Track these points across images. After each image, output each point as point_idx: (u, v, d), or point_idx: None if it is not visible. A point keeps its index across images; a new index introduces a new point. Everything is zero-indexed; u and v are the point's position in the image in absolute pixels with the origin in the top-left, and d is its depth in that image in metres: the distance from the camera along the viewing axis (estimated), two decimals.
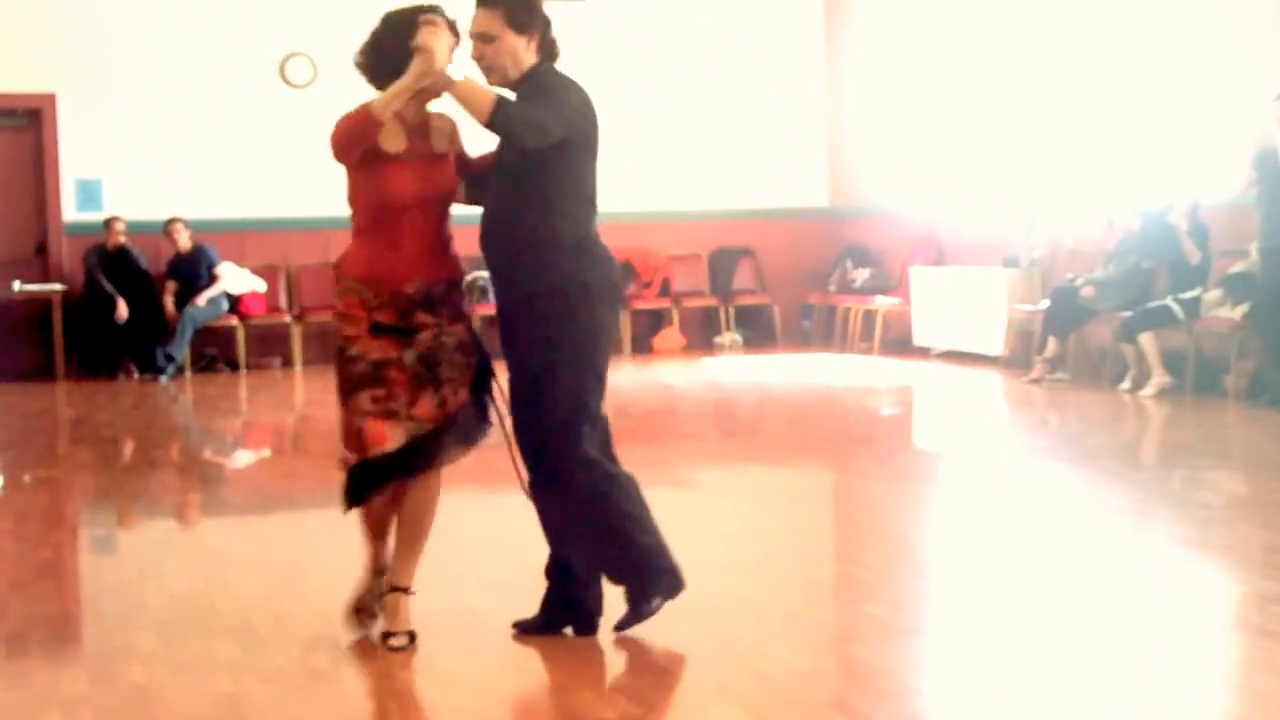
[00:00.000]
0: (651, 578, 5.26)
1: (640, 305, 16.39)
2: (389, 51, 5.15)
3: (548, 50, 5.28)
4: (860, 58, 16.85)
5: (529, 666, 5.16)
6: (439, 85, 5.06)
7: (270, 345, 15.55)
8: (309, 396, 13.63)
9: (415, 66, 5.01)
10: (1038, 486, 8.41)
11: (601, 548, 5.27)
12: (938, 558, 6.83)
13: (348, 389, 5.16)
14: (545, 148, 4.96)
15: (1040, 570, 6.35)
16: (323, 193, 15.00)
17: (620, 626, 5.30)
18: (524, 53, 5.21)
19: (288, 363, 15.46)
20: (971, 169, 15.05)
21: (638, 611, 5.28)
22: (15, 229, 15.20)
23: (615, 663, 5.14)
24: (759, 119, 17.13)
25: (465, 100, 4.94)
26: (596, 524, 5.21)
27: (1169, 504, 7.73)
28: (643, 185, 16.35)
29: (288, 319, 15.46)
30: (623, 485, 5.26)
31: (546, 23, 5.28)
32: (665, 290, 16.52)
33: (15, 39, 14.87)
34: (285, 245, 15.54)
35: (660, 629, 5.44)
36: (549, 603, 5.40)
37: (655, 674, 5.01)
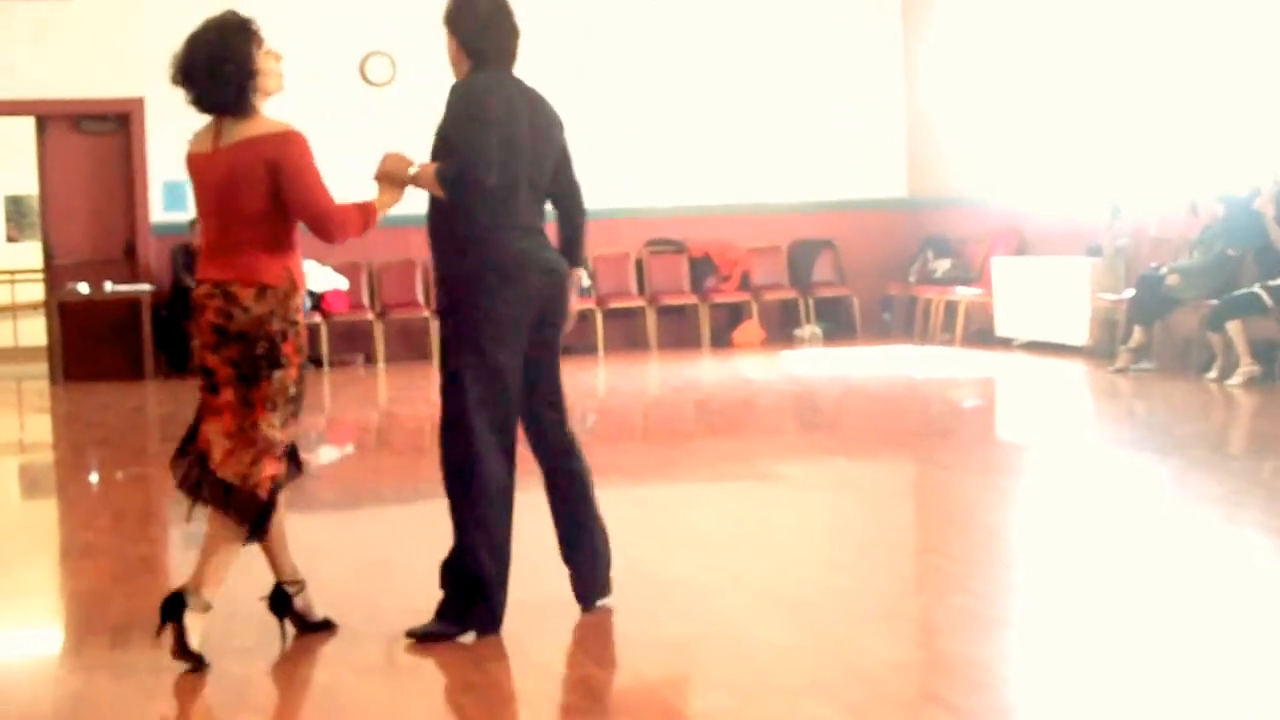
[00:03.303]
0: (478, 606, 5.36)
1: (719, 299, 16.38)
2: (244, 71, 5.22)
3: (479, 56, 5.44)
4: (938, 46, 16.78)
5: (619, 658, 5.20)
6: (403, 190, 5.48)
7: (353, 342, 15.68)
8: (392, 393, 13.73)
9: (386, 198, 5.48)
10: (1125, 477, 8.37)
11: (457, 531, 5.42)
12: (1025, 549, 6.81)
13: (302, 404, 5.36)
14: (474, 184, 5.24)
15: (1130, 562, 6.31)
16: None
17: (416, 634, 5.36)
18: (456, 55, 5.49)
19: (370, 360, 15.58)
20: (1053, 157, 14.94)
21: (442, 631, 5.36)
22: (105, 230, 15.42)
23: (706, 654, 5.16)
24: (837, 110, 17.07)
25: (426, 188, 5.42)
26: (454, 502, 5.41)
27: (1261, 494, 7.66)
28: (721, 178, 16.36)
29: (370, 316, 15.58)
30: (488, 481, 5.33)
31: (481, 26, 5.44)
32: (745, 283, 16.49)
33: (104, 44, 15.07)
34: (367, 243, 15.41)
35: (751, 621, 5.47)
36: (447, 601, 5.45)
37: (745, 666, 5.01)
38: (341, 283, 15.37)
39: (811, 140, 17.01)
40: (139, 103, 15.22)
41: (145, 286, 14.97)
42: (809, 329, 16.67)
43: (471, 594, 5.35)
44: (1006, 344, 14.94)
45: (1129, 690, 4.58)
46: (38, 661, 5.51)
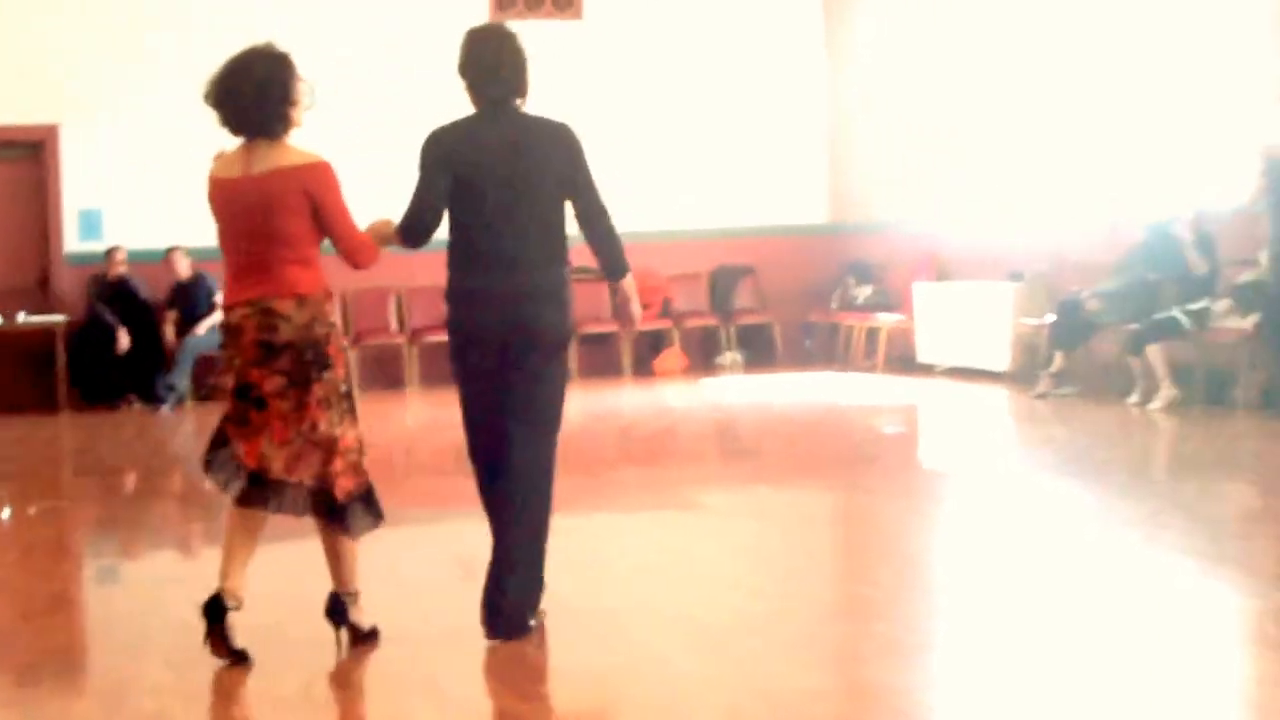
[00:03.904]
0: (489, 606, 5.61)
1: (640, 327, 16.28)
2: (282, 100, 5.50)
3: (471, 99, 5.75)
4: (859, 74, 16.85)
5: (539, 690, 5.13)
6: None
7: None
8: (364, 423, 13.56)
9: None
10: (1047, 502, 8.37)
11: None
12: (947, 576, 6.79)
13: (354, 403, 5.60)
14: (427, 229, 5.66)
15: (1052, 586, 6.31)
16: None
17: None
18: None
19: None
20: (972, 183, 15.02)
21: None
22: (18, 260, 15.19)
23: (626, 685, 5.10)
24: (758, 136, 17.10)
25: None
26: None
27: (1181, 517, 7.67)
28: (642, 205, 16.30)
29: (344, 343, 15.36)
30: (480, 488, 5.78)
31: (461, 70, 5.77)
32: (666, 310, 16.43)
33: (18, 71, 14.85)
34: (341, 270, 15.38)
35: (671, 650, 5.42)
36: None
37: (665, 695, 4.96)
38: None
39: (732, 166, 17.02)
40: (53, 130, 15.03)
41: (59, 317, 14.75)
42: (730, 356, 16.66)
43: None
44: (928, 370, 14.98)
45: (1052, 715, 4.55)
46: None
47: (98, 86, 15.10)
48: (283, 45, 5.62)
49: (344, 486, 5.46)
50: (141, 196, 15.23)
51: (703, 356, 16.79)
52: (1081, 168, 13.50)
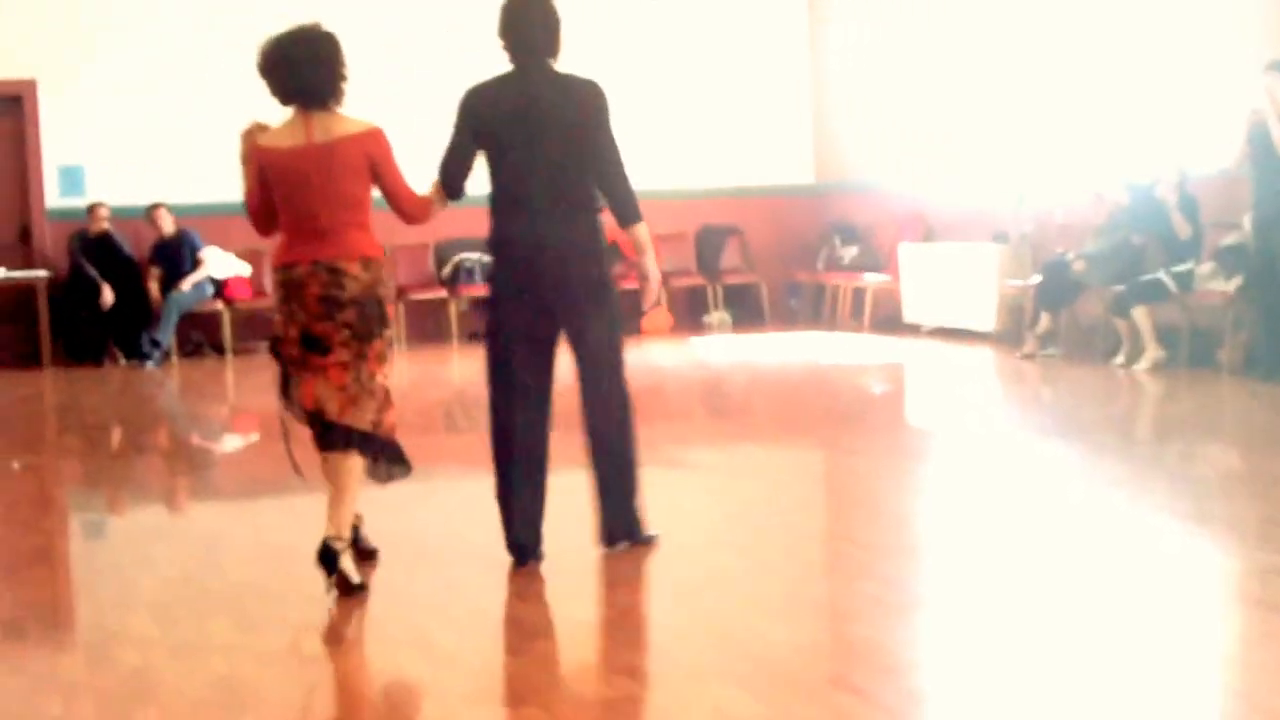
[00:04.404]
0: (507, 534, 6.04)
1: (627, 286, 16.24)
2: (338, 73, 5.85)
3: (510, 56, 6.07)
4: (844, 32, 16.80)
5: (524, 645, 5.13)
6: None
7: (255, 329, 15.46)
8: None
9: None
10: (1032, 462, 8.38)
11: None
12: (932, 534, 6.80)
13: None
14: (458, 185, 6.06)
15: (1036, 545, 6.32)
16: None
17: None
18: None
19: None
20: (959, 144, 15.01)
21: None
22: None
23: (613, 641, 5.13)
24: (742, 96, 17.07)
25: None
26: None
27: (1165, 478, 7.71)
28: (627, 164, 16.27)
29: (272, 303, 15.36)
30: (498, 439, 6.05)
31: (504, 31, 6.06)
32: None
33: None
34: None
35: (657, 607, 5.44)
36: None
37: (654, 652, 4.99)
38: (243, 269, 15.18)
39: (718, 126, 16.98)
40: (31, 85, 14.96)
41: (41, 273, 14.70)
42: (717, 316, 16.66)
43: None
44: (914, 330, 14.98)
45: (1037, 673, 4.57)
46: None
47: (77, 41, 15.03)
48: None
49: (389, 424, 5.87)
50: (123, 152, 15.18)
51: (690, 316, 16.78)
52: (1067, 129, 13.49)
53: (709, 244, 16.93)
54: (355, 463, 5.80)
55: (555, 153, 5.92)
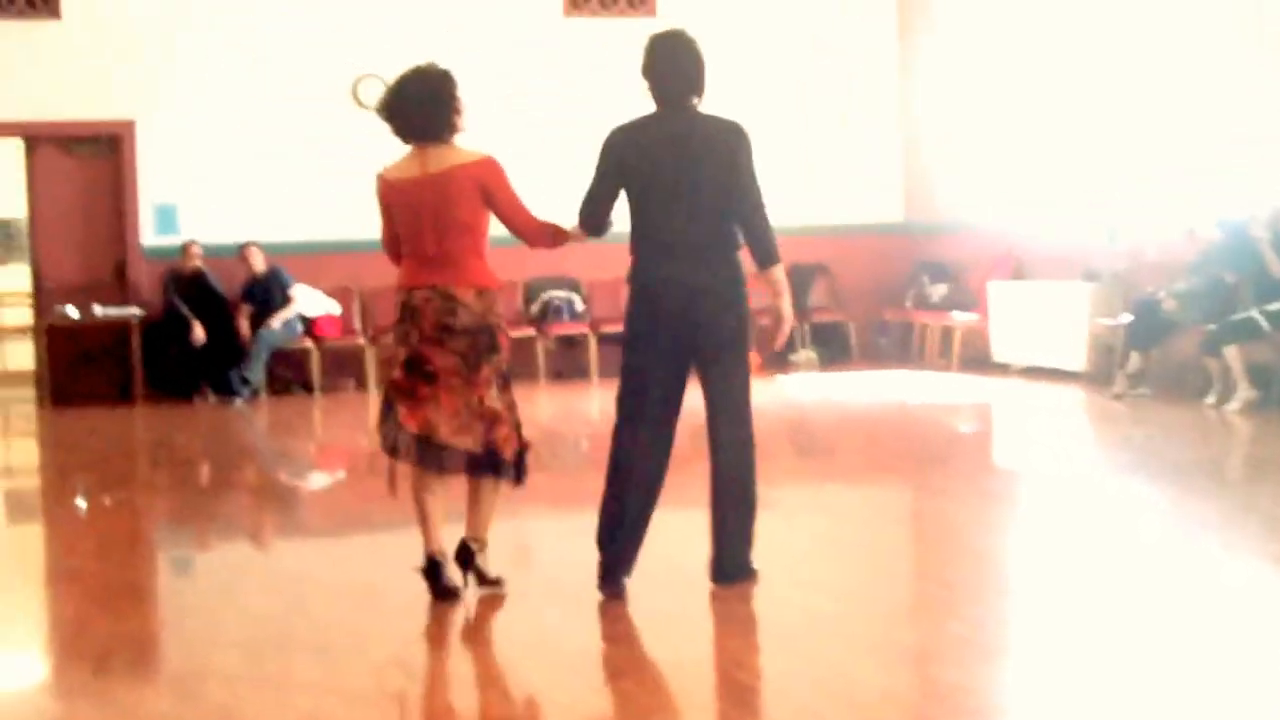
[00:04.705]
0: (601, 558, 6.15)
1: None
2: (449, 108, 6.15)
3: (653, 98, 6.20)
4: (934, 71, 16.76)
5: (609, 687, 5.12)
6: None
7: (344, 367, 15.61)
8: None
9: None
10: (1121, 503, 8.29)
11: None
12: (1020, 576, 6.74)
13: (510, 381, 6.25)
14: (598, 222, 6.25)
15: (1125, 588, 6.25)
16: None
17: None
18: None
19: (361, 385, 15.49)
20: (1050, 182, 14.91)
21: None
22: (95, 254, 15.35)
23: (698, 684, 5.10)
24: (832, 134, 17.03)
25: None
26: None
27: (1257, 520, 7.59)
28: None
29: (361, 341, 15.51)
30: (614, 468, 6.17)
31: (644, 72, 6.22)
32: None
33: (95, 65, 15.02)
34: (358, 267, 15.57)
35: (742, 648, 5.42)
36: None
37: (735, 694, 4.96)
38: (334, 308, 15.31)
39: (807, 164, 16.95)
40: (129, 125, 15.17)
41: (135, 310, 14.89)
42: (804, 354, 16.60)
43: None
44: (1003, 369, 14.88)
45: (1122, 719, 4.51)
46: (19, 688, 5.43)
47: (174, 82, 15.25)
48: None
49: (510, 448, 6.13)
50: (217, 192, 15.37)
51: (776, 354, 16.72)
52: (1159, 166, 13.38)
53: (797, 282, 16.82)
54: (486, 480, 6.20)
55: (700, 193, 6.02)
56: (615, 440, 6.19)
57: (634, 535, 6.14)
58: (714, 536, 6.20)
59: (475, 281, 6.08)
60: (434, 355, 6.05)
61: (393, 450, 6.14)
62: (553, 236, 6.27)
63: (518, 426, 6.21)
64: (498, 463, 6.14)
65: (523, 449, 6.22)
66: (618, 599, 6.04)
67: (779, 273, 6.22)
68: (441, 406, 6.06)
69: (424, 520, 6.12)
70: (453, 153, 6.10)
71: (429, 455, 6.07)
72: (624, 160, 6.09)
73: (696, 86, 6.16)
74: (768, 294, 6.25)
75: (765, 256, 6.17)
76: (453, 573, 6.14)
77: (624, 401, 6.18)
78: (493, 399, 6.10)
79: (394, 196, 6.17)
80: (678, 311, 6.03)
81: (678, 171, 6.01)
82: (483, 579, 6.22)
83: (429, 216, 6.06)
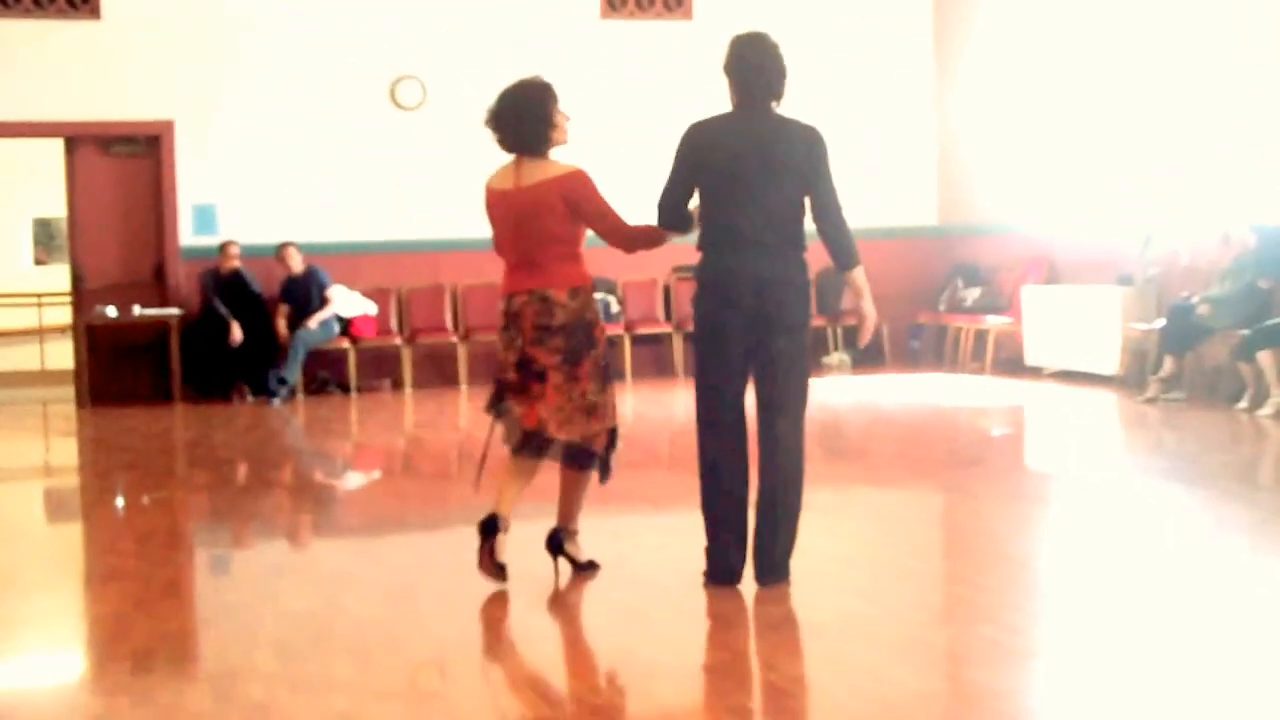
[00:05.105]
0: (708, 549, 6.29)
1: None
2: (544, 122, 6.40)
3: (732, 97, 6.34)
4: (969, 73, 16.76)
5: (645, 688, 5.16)
6: None
7: (381, 368, 15.70)
8: (419, 418, 13.73)
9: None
10: (1154, 508, 8.31)
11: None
12: (1054, 580, 6.76)
13: (610, 373, 6.51)
14: (675, 220, 6.35)
15: (1158, 593, 6.27)
16: (433, 216, 15.17)
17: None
18: None
19: (398, 385, 15.59)
20: (1084, 186, 14.91)
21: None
22: (134, 254, 15.46)
23: (732, 686, 5.13)
24: (867, 137, 17.03)
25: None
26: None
27: None
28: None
29: (398, 341, 15.58)
30: (713, 467, 6.25)
31: (727, 70, 6.38)
32: None
33: (135, 66, 15.14)
34: (396, 268, 15.68)
35: (774, 650, 5.45)
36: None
37: (767, 695, 4.99)
38: (370, 308, 15.39)
39: (841, 167, 16.78)
40: (169, 125, 15.28)
41: (174, 310, 15.00)
42: (837, 356, 16.63)
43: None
44: (1036, 373, 14.88)
45: None
46: (59, 686, 5.49)
47: (213, 83, 15.35)
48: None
49: (600, 443, 6.45)
50: (255, 192, 15.46)
51: (809, 357, 16.69)
52: (1194, 171, 13.36)
53: (830, 285, 16.86)
54: (578, 471, 6.55)
55: (778, 193, 6.17)
56: (705, 451, 6.30)
57: (742, 535, 6.29)
58: (761, 533, 6.27)
59: (568, 281, 6.37)
60: (539, 355, 6.36)
61: (506, 439, 6.47)
62: (648, 239, 6.49)
63: (612, 422, 6.48)
64: (590, 455, 6.44)
65: (610, 446, 6.48)
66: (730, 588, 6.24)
67: (860, 274, 6.46)
68: (549, 402, 6.37)
69: (503, 490, 6.43)
70: (544, 167, 6.38)
71: (533, 444, 6.40)
72: (705, 157, 6.18)
73: (777, 89, 6.31)
74: (848, 297, 6.47)
75: (848, 259, 6.39)
76: (504, 554, 6.37)
77: (707, 406, 6.29)
78: (594, 392, 6.41)
79: (492, 206, 6.51)
80: (751, 303, 6.12)
81: (758, 170, 6.14)
82: (576, 565, 6.60)
83: (522, 227, 6.38)
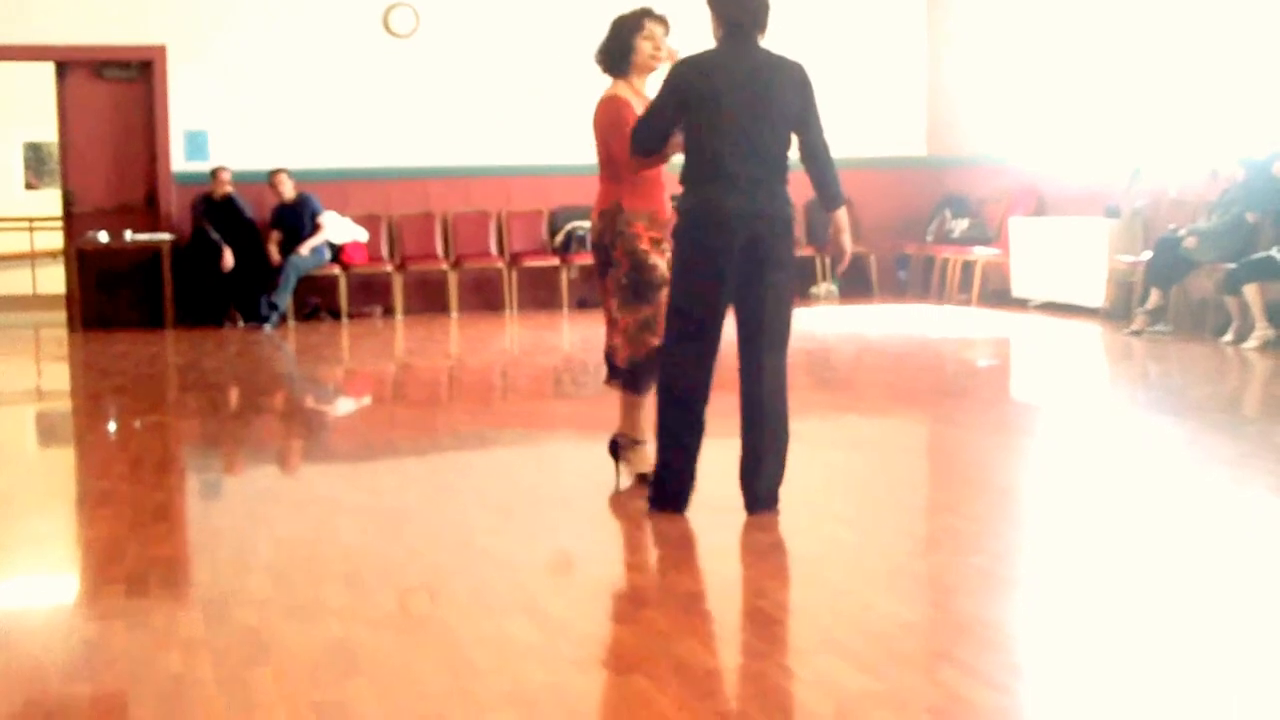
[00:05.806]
0: (659, 474, 6.37)
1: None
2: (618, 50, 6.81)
3: (717, 29, 6.31)
4: (960, 3, 16.71)
5: (634, 614, 5.22)
6: None
7: (372, 294, 15.72)
8: (410, 345, 13.76)
9: None
10: (1139, 439, 8.38)
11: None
12: (1040, 509, 6.82)
13: (649, 292, 6.64)
14: (648, 148, 6.33)
15: (1142, 522, 6.33)
16: (424, 143, 15.14)
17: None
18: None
19: (389, 312, 15.61)
20: (1073, 118, 14.91)
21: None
22: (126, 179, 15.42)
23: (720, 613, 5.20)
24: (856, 68, 16.98)
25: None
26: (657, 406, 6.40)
27: (1273, 457, 7.65)
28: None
29: (389, 268, 15.59)
30: (681, 394, 6.27)
31: (717, 2, 6.30)
32: None
33: None
34: (387, 195, 15.67)
35: (761, 578, 5.51)
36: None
37: (760, 624, 5.05)
38: (361, 234, 15.39)
39: (830, 97, 16.78)
40: (161, 50, 15.21)
41: (166, 235, 15.00)
42: (825, 287, 16.66)
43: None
44: (1023, 304, 14.94)
45: (1140, 650, 4.60)
46: (52, 609, 5.52)
47: (206, 7, 15.28)
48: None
49: (622, 355, 6.76)
50: (247, 118, 15.42)
51: (797, 287, 16.73)
52: (1183, 104, 13.37)
53: (818, 215, 16.85)
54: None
55: (769, 129, 6.18)
56: (669, 372, 6.32)
57: (693, 465, 6.34)
58: (749, 464, 6.31)
59: (599, 204, 6.78)
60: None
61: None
62: (632, 166, 6.66)
63: (635, 337, 6.68)
64: (612, 367, 6.87)
65: (636, 358, 6.70)
66: (678, 515, 6.33)
67: (844, 213, 6.56)
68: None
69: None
70: (610, 89, 6.80)
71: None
72: (691, 93, 6.16)
73: (762, 23, 6.29)
74: (832, 229, 6.59)
75: (834, 199, 6.46)
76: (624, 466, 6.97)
77: (676, 327, 6.28)
78: (615, 309, 6.75)
79: None
80: (742, 239, 6.13)
81: (751, 105, 6.15)
82: (638, 473, 6.92)
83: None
